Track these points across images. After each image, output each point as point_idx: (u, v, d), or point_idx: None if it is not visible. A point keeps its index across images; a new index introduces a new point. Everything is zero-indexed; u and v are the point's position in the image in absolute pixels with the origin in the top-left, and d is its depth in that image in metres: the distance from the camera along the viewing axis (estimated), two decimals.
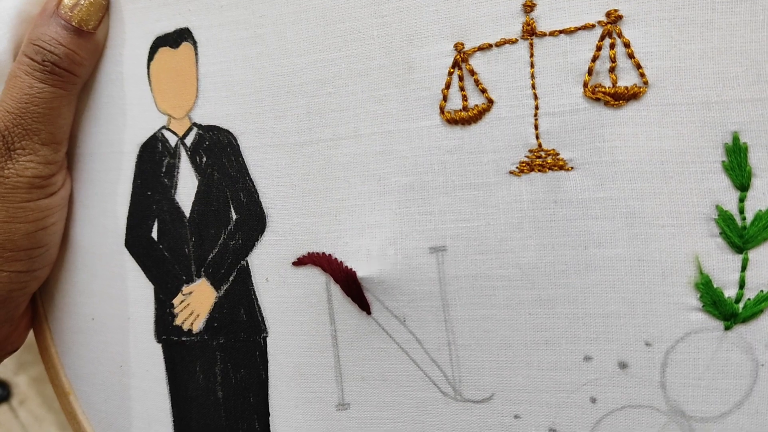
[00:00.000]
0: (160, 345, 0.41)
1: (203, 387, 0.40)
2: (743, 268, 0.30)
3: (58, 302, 0.45)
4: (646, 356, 0.32)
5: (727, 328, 0.31)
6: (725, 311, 0.31)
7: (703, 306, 0.31)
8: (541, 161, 0.32)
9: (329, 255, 0.36)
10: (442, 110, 0.34)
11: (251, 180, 0.38)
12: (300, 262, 0.37)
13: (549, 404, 0.34)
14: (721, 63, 0.30)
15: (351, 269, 0.35)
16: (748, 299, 0.30)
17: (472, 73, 0.33)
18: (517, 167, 0.33)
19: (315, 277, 0.37)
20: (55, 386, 0.45)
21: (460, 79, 0.34)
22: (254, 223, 0.38)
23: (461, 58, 0.33)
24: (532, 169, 0.33)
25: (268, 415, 0.39)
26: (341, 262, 0.36)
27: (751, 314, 0.30)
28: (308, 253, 0.37)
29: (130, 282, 0.42)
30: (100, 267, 0.43)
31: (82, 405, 0.45)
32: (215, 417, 0.40)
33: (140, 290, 0.41)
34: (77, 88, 0.41)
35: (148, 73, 0.40)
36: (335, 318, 0.36)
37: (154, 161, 0.40)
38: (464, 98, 0.34)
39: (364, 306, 0.36)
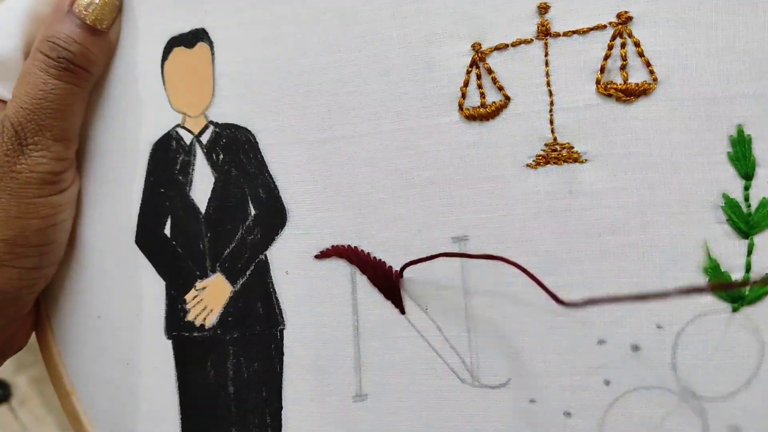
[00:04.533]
0: (170, 341, 0.41)
1: (214, 383, 0.40)
2: (749, 253, 0.32)
3: (62, 301, 0.44)
4: (657, 339, 0.33)
5: (734, 311, 0.33)
6: (732, 294, 0.32)
7: None
8: (557, 154, 0.34)
9: (355, 247, 0.37)
10: (460, 107, 0.35)
11: (270, 176, 0.39)
12: (324, 254, 0.38)
13: (563, 388, 0.35)
14: (726, 61, 0.32)
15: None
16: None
17: (490, 71, 0.35)
18: (533, 160, 0.35)
19: (339, 269, 0.38)
20: (57, 387, 0.45)
21: (478, 77, 0.35)
22: (274, 218, 0.39)
23: (479, 58, 0.35)
24: (548, 162, 0.34)
25: (281, 408, 0.39)
26: (369, 253, 0.37)
27: (757, 296, 0.32)
28: (333, 245, 0.38)
29: (139, 279, 0.42)
30: (109, 264, 0.43)
31: (85, 405, 0.44)
32: (225, 412, 0.40)
33: (150, 287, 0.41)
34: (90, 85, 0.42)
35: (162, 72, 0.41)
36: (359, 309, 0.37)
37: (167, 159, 0.41)
38: (482, 95, 0.35)
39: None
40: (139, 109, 0.42)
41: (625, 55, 0.33)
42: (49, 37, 0.40)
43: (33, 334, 0.46)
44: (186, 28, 0.41)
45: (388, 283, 0.37)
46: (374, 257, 0.37)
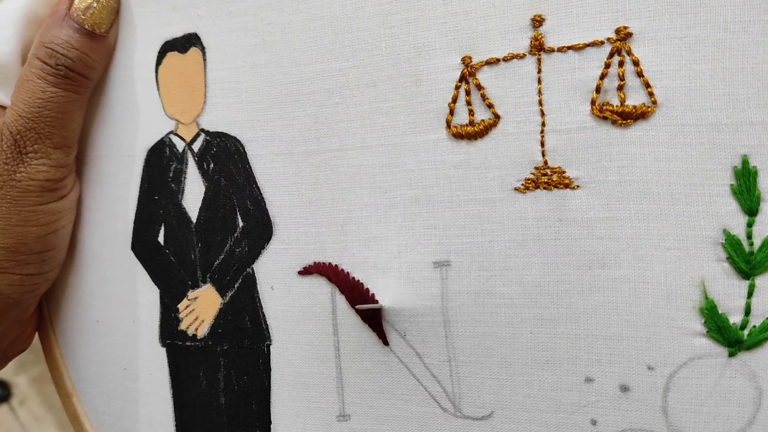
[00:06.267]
0: (164, 349, 0.41)
1: (206, 392, 0.40)
2: (749, 295, 0.30)
3: (63, 304, 0.45)
4: (648, 380, 0.31)
5: (731, 355, 0.30)
6: (730, 338, 0.30)
7: (707, 331, 0.30)
8: (547, 179, 0.32)
9: (336, 266, 0.36)
10: (448, 124, 0.34)
11: (258, 188, 0.38)
12: (306, 271, 0.37)
13: (548, 424, 0.33)
14: (732, 84, 0.29)
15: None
16: (754, 326, 0.30)
17: (479, 87, 0.33)
18: (522, 184, 0.33)
19: (320, 287, 0.37)
20: (59, 387, 0.46)
21: (467, 93, 0.33)
22: (261, 230, 0.38)
23: (468, 72, 0.33)
24: (537, 187, 0.32)
25: (270, 423, 0.39)
26: (348, 273, 0.36)
27: (756, 342, 0.30)
28: (314, 262, 0.37)
29: (136, 285, 0.42)
30: (107, 270, 0.43)
31: (85, 407, 0.45)
32: (217, 423, 0.40)
33: (146, 294, 0.41)
34: (89, 91, 0.41)
35: (156, 78, 0.40)
36: (338, 329, 0.36)
37: (161, 166, 0.40)
38: (471, 113, 0.33)
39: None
40: (136, 115, 0.41)
41: (623, 75, 0.31)
42: (46, 42, 0.39)
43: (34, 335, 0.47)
44: (179, 33, 0.40)
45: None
46: (353, 277, 0.36)
